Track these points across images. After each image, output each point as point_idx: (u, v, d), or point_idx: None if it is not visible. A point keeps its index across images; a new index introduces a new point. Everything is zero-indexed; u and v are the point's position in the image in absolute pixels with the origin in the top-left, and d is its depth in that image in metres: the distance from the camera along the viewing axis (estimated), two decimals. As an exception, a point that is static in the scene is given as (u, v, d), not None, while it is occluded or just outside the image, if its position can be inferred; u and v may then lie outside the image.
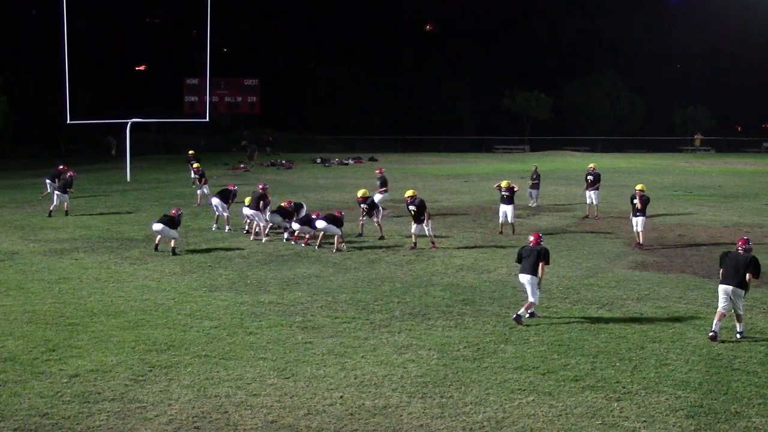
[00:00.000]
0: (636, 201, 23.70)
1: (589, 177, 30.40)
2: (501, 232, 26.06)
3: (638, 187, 24.45)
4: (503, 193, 26.11)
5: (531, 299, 15.55)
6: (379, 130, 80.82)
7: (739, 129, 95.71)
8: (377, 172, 32.37)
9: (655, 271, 20.28)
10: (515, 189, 26.39)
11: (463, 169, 55.13)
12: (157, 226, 22.49)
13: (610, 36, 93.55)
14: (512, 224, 26.16)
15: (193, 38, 59.05)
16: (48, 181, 33.62)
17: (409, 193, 24.27)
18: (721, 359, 13.25)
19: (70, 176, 31.74)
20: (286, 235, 24.38)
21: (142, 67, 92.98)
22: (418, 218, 23.36)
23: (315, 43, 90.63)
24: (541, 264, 15.58)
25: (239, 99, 79.07)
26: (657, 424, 10.59)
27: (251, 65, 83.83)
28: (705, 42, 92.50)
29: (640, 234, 23.58)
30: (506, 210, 26.08)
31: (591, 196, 30.07)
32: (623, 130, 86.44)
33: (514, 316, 15.37)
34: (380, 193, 30.01)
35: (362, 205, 25.35)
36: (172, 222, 22.62)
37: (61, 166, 34.02)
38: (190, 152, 37.00)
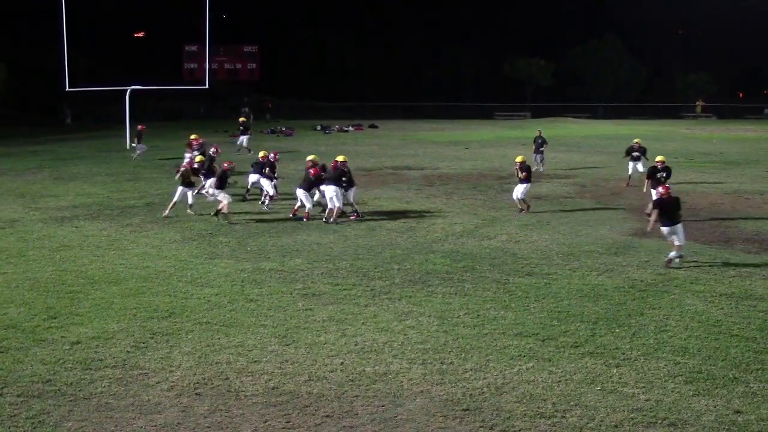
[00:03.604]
0: (660, 174, 23.30)
1: (635, 153, 30.42)
2: (520, 211, 23.90)
3: (659, 158, 24.19)
4: (519, 172, 24.08)
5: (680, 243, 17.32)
6: (380, 97, 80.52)
7: (741, 95, 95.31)
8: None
9: (655, 238, 20.27)
10: (525, 165, 24.31)
11: (464, 136, 54.99)
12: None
13: (611, 1, 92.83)
14: (521, 200, 24.04)
15: (192, 5, 58.57)
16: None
17: (340, 158, 23.72)
18: (720, 325, 13.30)
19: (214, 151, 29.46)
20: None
21: (140, 34, 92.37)
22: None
23: (315, 9, 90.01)
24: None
25: (239, 66, 78.70)
26: (656, 389, 10.65)
27: (251, 32, 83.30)
28: (706, 7, 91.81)
29: None
30: (519, 187, 23.96)
31: (635, 167, 30.19)
32: (625, 97, 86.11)
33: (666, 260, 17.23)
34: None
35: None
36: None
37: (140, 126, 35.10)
38: (192, 137, 35.81)
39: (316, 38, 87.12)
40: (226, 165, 23.78)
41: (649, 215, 17.89)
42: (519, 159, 24.66)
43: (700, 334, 12.83)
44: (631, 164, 30.37)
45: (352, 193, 23.36)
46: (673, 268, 17.04)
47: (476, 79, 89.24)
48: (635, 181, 29.35)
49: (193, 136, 33.03)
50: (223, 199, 22.10)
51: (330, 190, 22.33)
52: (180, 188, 22.84)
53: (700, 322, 13.49)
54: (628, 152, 30.80)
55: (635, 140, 31.78)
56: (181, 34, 76.63)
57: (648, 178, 24.55)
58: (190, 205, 23.02)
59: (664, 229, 17.53)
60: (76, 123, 62.39)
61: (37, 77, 63.96)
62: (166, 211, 22.71)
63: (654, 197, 22.23)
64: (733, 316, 13.84)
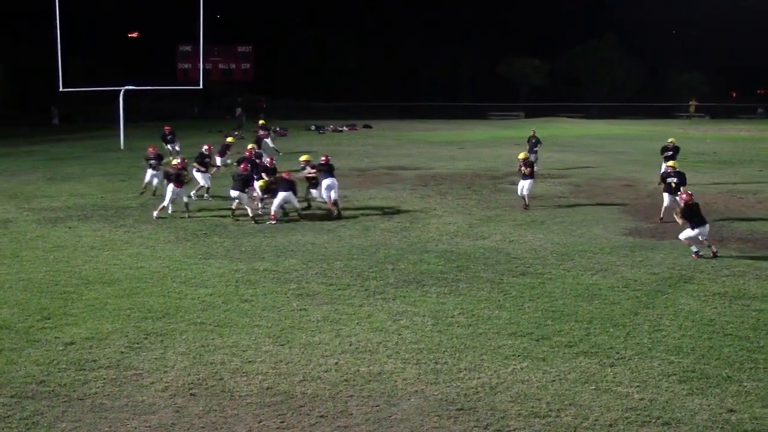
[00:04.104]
0: (671, 179, 22.37)
1: (669, 152, 30.22)
2: (526, 205, 24.50)
3: (670, 163, 24.01)
4: (523, 168, 24.75)
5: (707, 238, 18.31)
6: (375, 97, 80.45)
7: (734, 95, 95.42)
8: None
9: (649, 238, 20.33)
10: (529, 161, 25.14)
11: (458, 136, 54.99)
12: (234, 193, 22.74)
13: (607, 2, 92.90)
14: (524, 197, 24.60)
15: (187, 5, 58.52)
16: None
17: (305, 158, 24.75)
18: (714, 324, 13.33)
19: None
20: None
21: (134, 34, 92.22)
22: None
23: (309, 9, 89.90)
24: None
25: (233, 66, 78.67)
26: (650, 389, 10.67)
27: (245, 32, 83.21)
28: (699, 7, 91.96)
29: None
30: (523, 184, 24.59)
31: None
32: (619, 97, 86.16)
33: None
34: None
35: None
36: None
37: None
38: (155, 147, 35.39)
39: (311, 38, 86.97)
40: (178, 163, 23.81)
41: (676, 220, 18.98)
42: (522, 156, 25.58)
43: (693, 334, 12.86)
44: (664, 164, 29.37)
45: (315, 192, 23.99)
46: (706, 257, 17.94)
47: (471, 79, 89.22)
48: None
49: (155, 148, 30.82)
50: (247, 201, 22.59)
51: (327, 182, 23.22)
52: (170, 189, 22.71)
53: (693, 321, 13.52)
54: (663, 151, 30.75)
55: (670, 139, 31.72)
56: (175, 34, 76.50)
57: (661, 182, 23.61)
58: (186, 205, 22.92)
59: (696, 230, 18.14)
60: (65, 123, 62.26)
61: (36, 77, 63.81)
62: (156, 213, 22.62)
63: (666, 202, 22.30)
64: (726, 315, 13.87)
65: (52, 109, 64.86)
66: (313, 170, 24.17)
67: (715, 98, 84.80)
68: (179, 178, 22.79)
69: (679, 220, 18.56)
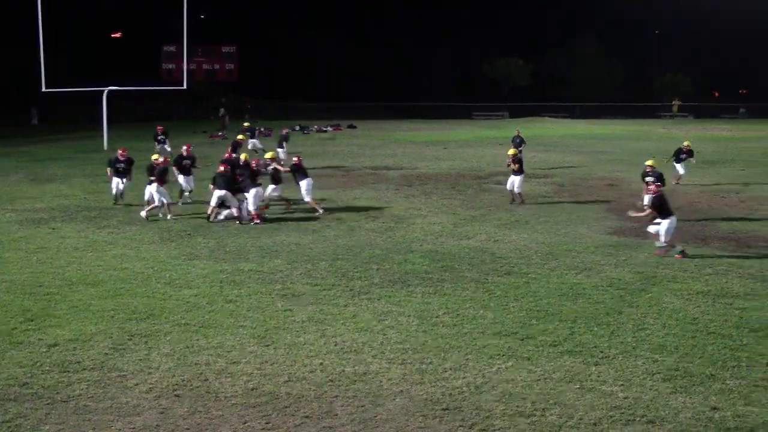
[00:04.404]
0: (650, 178, 22.47)
1: (683, 155, 30.62)
2: (511, 201, 25.38)
3: (648, 162, 23.88)
4: (512, 164, 25.49)
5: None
6: (360, 97, 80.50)
7: (716, 95, 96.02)
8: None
9: (633, 237, 20.40)
10: (518, 157, 25.81)
11: (442, 136, 55.09)
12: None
13: (589, 2, 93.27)
14: (519, 194, 25.32)
15: (170, 5, 58.31)
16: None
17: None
18: (697, 323, 13.39)
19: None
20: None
21: (117, 35, 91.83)
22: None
23: (294, 9, 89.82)
24: None
25: (217, 66, 78.62)
26: (634, 387, 10.71)
27: (229, 32, 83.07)
28: (682, 7, 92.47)
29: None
30: (514, 180, 25.24)
31: (679, 167, 30.46)
32: (602, 97, 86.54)
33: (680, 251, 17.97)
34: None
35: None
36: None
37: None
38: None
39: (296, 39, 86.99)
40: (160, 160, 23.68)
41: (639, 213, 19.20)
42: (511, 152, 26.29)
43: (677, 332, 12.92)
44: (678, 165, 30.48)
45: (270, 190, 24.06)
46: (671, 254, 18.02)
47: (455, 78, 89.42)
48: (682, 180, 29.98)
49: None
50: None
51: (304, 184, 23.60)
52: (150, 187, 22.48)
53: (677, 320, 13.58)
54: (676, 154, 30.81)
55: (685, 142, 31.68)
56: (159, 35, 76.30)
57: (642, 179, 23.51)
58: (168, 205, 22.78)
59: (667, 221, 18.19)
60: (44, 124, 61.94)
61: (16, 78, 63.45)
62: (144, 213, 22.58)
63: (645, 201, 22.16)
64: (709, 313, 13.94)
65: (32, 109, 64.55)
66: (286, 170, 24.52)
67: (697, 98, 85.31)
68: (162, 175, 22.65)
69: (644, 213, 18.80)
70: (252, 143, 39.82)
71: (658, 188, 18.96)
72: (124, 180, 24.85)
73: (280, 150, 33.66)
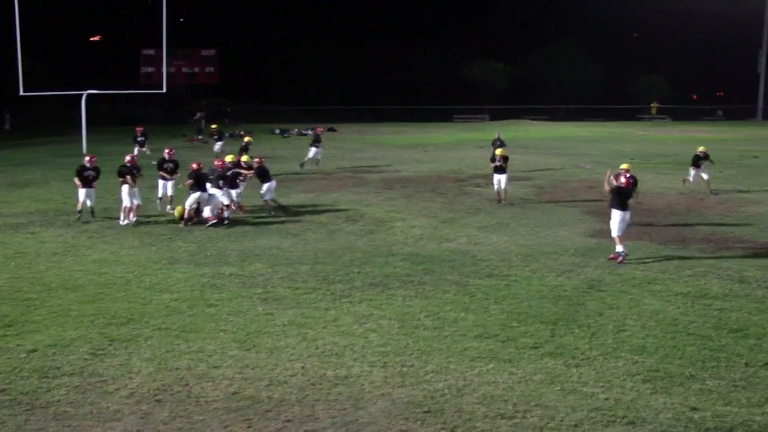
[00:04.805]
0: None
1: (701, 162, 29.21)
2: (499, 201, 25.97)
3: (623, 166, 23.13)
4: (496, 163, 26.06)
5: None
6: (340, 100, 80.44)
7: (695, 97, 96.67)
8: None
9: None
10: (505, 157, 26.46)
11: (423, 139, 55.18)
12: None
13: (568, 6, 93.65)
14: (505, 191, 26.14)
15: (149, 8, 58.12)
16: None
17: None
18: (677, 324, 13.48)
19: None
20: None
21: (96, 38, 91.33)
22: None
23: (273, 12, 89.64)
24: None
25: (197, 69, 78.33)
26: (615, 388, 10.76)
27: (209, 36, 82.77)
28: (660, 10, 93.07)
29: None
30: (500, 178, 25.94)
31: (698, 174, 29.08)
32: (582, 99, 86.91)
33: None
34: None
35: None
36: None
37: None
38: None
39: (276, 42, 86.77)
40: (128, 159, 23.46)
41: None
42: (499, 152, 26.64)
43: (657, 333, 12.99)
44: (693, 171, 29.26)
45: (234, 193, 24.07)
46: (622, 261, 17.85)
47: (436, 82, 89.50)
48: (699, 187, 28.90)
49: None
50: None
51: (267, 186, 24.10)
52: (124, 189, 22.17)
53: (657, 321, 13.66)
54: (695, 160, 29.46)
55: (700, 148, 30.29)
56: (138, 38, 75.91)
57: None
58: (136, 208, 22.50)
59: (620, 213, 18.24)
60: (18, 129, 61.51)
61: None
62: (123, 217, 22.40)
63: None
64: (689, 315, 14.03)
65: (5, 114, 64.07)
66: (250, 173, 24.63)
67: (676, 101, 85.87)
68: (133, 172, 22.40)
69: (606, 188, 18.82)
70: (217, 146, 39.62)
71: (628, 182, 18.93)
72: (90, 190, 22.90)
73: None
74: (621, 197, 18.51)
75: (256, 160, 25.07)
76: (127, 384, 10.86)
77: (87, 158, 23.87)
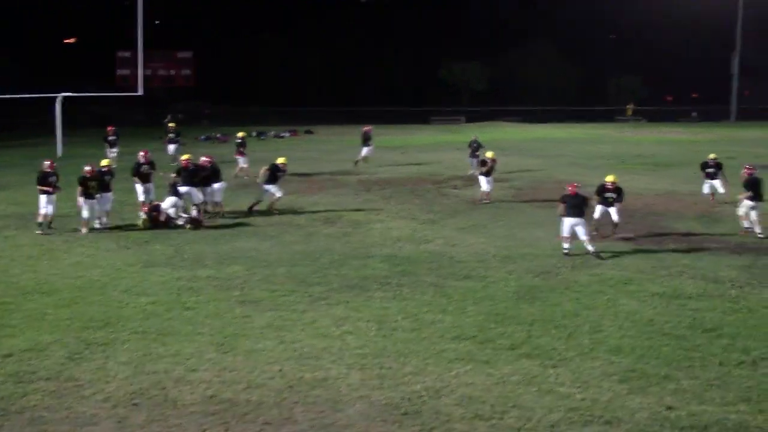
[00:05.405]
0: (610, 195, 21.14)
1: (710, 169, 27.47)
2: (484, 201, 26.67)
3: (609, 178, 21.65)
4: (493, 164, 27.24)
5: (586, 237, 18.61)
6: (317, 102, 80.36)
7: (670, 99, 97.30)
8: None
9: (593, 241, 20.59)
10: (489, 161, 27.27)
11: (400, 141, 55.16)
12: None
13: (544, 6, 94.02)
14: (489, 192, 26.84)
15: (125, 11, 57.83)
16: None
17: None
18: (653, 324, 13.58)
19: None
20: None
21: (71, 40, 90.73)
22: None
23: (250, 14, 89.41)
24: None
25: (173, 72, 77.99)
26: (591, 389, 10.83)
27: (185, 38, 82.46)
28: (636, 12, 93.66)
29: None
30: (487, 180, 26.77)
31: (714, 185, 27.19)
32: (559, 101, 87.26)
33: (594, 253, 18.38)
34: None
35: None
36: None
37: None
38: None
39: (253, 44, 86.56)
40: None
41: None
42: (489, 154, 27.83)
43: (633, 334, 13.09)
44: (707, 183, 27.42)
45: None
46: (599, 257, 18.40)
47: (413, 83, 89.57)
48: (718, 198, 26.97)
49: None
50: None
51: (217, 186, 24.27)
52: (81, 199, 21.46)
53: (633, 321, 13.76)
54: (703, 167, 27.74)
55: (711, 155, 28.24)
56: (114, 40, 75.49)
57: (597, 194, 21.58)
58: (107, 213, 22.33)
59: (572, 220, 18.59)
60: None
61: None
62: (84, 229, 21.62)
63: (597, 215, 21.22)
64: (664, 315, 14.15)
65: None
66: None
67: (651, 102, 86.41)
68: (105, 176, 22.22)
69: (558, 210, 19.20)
70: (171, 148, 37.64)
71: (574, 189, 19.15)
72: (51, 197, 21.65)
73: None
74: (573, 202, 18.87)
75: (207, 159, 24.76)
76: (103, 388, 10.81)
77: (47, 162, 22.86)
